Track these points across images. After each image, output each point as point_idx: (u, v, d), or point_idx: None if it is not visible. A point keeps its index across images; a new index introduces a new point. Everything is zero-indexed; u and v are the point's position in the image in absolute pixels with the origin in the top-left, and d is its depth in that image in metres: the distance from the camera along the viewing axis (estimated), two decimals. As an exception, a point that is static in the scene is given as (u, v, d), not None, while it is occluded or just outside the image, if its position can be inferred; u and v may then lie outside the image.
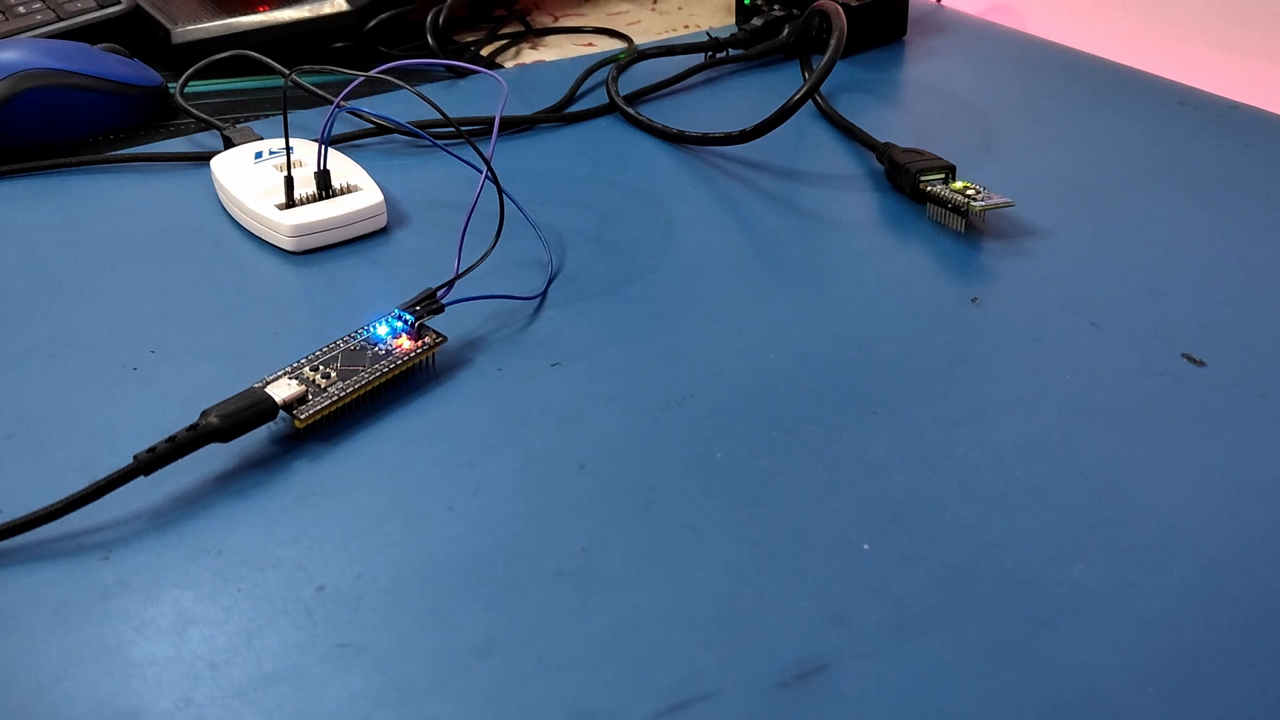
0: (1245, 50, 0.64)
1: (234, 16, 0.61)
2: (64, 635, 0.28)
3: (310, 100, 0.52)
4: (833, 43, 0.49)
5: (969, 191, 0.45)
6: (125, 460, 0.31)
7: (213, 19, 0.61)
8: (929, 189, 0.46)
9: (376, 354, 0.36)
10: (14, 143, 0.52)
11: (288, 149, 0.45)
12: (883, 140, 0.51)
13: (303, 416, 0.33)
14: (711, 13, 0.72)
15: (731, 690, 0.26)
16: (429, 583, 0.29)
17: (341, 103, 0.42)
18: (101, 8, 0.61)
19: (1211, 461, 0.33)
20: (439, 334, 0.37)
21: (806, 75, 0.60)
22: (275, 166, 0.46)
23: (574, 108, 0.56)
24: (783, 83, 0.60)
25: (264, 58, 0.54)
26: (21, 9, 0.60)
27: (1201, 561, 0.30)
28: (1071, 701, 0.26)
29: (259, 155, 0.47)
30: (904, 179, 0.47)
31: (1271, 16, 0.63)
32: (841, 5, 0.54)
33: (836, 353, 0.38)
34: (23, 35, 0.58)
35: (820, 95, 0.57)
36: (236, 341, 0.39)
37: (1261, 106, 0.56)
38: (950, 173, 0.47)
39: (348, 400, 0.34)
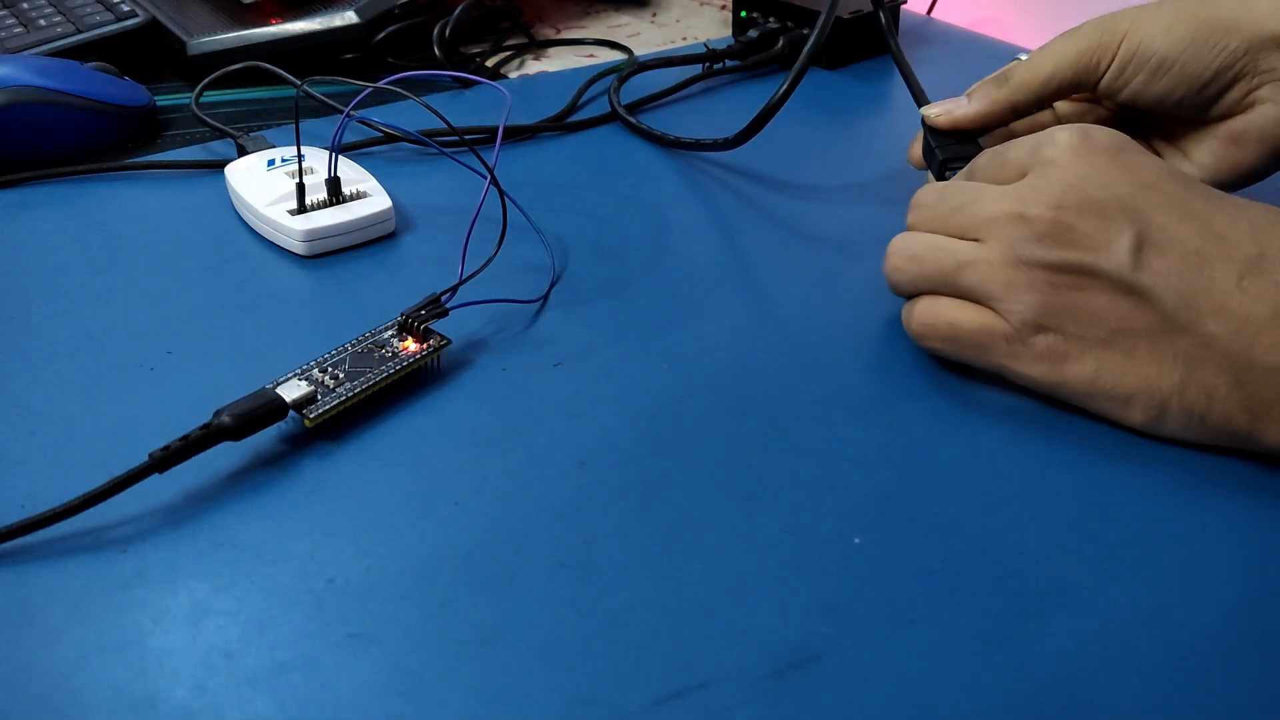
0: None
1: (248, 29, 0.62)
2: (84, 626, 0.28)
3: (321, 110, 0.52)
4: (816, 32, 0.46)
5: None
6: (142, 457, 0.31)
7: (227, 31, 0.62)
8: (948, 174, 0.42)
9: (383, 356, 0.36)
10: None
11: (299, 156, 0.45)
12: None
13: (311, 416, 0.34)
14: (708, 25, 0.73)
15: (727, 679, 0.27)
16: (436, 574, 0.29)
17: (351, 112, 0.42)
18: (119, 20, 0.61)
19: (1190, 457, 0.33)
20: (443, 337, 0.37)
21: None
22: (287, 173, 0.46)
23: (575, 117, 0.57)
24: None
25: (276, 69, 0.54)
26: (42, 21, 0.61)
27: (1181, 555, 0.30)
28: (1054, 690, 0.26)
29: (272, 163, 0.47)
30: (931, 159, 0.44)
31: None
32: (836, 17, 0.54)
33: (828, 353, 0.38)
34: (29, 51, 0.57)
35: (894, 42, 0.51)
36: (250, 342, 0.39)
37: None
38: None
39: (355, 400, 0.35)
